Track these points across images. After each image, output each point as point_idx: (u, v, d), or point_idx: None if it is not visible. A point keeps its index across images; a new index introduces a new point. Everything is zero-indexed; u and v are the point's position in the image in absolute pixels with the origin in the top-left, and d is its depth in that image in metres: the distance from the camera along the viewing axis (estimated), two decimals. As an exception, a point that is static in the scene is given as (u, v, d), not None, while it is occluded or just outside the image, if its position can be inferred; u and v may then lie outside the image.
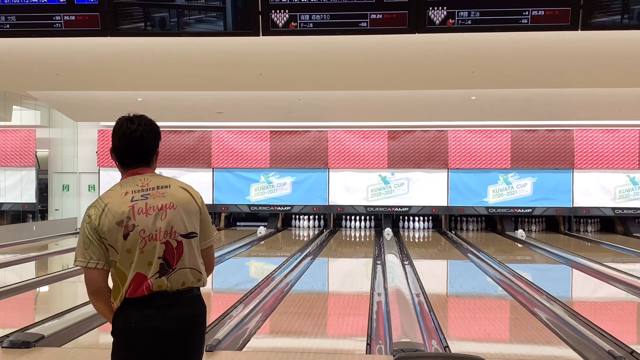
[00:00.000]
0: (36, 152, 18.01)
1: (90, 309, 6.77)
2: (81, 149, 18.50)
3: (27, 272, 10.51)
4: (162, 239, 2.77)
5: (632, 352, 5.29)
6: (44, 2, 7.07)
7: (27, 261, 11.50)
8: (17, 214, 17.84)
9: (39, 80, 11.13)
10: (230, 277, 9.97)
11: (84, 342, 5.84)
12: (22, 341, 5.36)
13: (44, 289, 8.89)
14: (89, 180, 18.58)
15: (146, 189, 2.84)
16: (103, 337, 6.21)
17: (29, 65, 9.73)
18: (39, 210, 18.27)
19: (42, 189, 18.53)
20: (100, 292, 2.82)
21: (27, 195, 18.11)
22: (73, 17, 7.11)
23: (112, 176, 17.97)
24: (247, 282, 9.12)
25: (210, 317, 6.77)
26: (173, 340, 2.78)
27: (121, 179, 2.94)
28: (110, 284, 2.86)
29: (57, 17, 7.11)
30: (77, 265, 2.82)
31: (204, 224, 2.98)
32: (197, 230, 2.91)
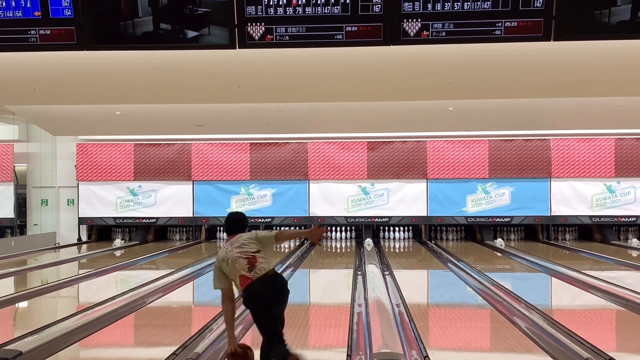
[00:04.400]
0: (14, 166, 17.89)
1: (70, 324, 6.77)
2: (60, 163, 18.37)
3: (5, 287, 10.40)
4: (244, 257, 5.08)
5: (610, 359, 5.35)
6: (19, 16, 7.05)
7: (6, 277, 11.38)
8: (-5, 230, 17.70)
9: (16, 95, 11.06)
10: (212, 290, 9.90)
11: (63, 357, 5.82)
12: (0, 358, 5.31)
13: (23, 304, 8.82)
14: (68, 195, 18.45)
15: (233, 245, 5.21)
16: (83, 352, 6.19)
17: (6, 79, 9.68)
18: (17, 225, 18.14)
19: (21, 204, 18.40)
20: (227, 298, 5.28)
21: (6, 210, 17.99)
22: (48, 32, 7.10)
23: (91, 190, 17.91)
24: (227, 295, 9.09)
25: (191, 331, 6.77)
26: (271, 293, 5.03)
27: (227, 239, 5.38)
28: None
29: (33, 32, 7.10)
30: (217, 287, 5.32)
31: (263, 238, 5.26)
32: (258, 249, 5.16)
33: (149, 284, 9.76)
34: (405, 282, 10.04)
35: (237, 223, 5.46)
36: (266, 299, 5.03)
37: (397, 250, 15.88)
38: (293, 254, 14.48)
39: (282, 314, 5.23)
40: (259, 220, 17.47)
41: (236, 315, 7.36)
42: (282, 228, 17.92)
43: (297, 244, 16.96)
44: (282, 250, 15.72)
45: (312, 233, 5.35)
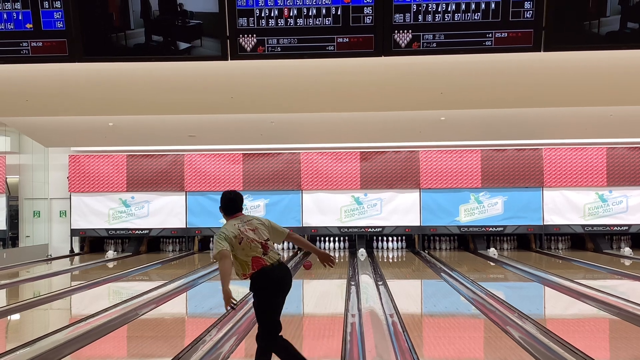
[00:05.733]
0: (6, 178, 17.82)
1: (62, 337, 6.74)
2: (52, 174, 18.33)
3: (-3, 300, 10.38)
4: (258, 241, 5.23)
5: (603, 367, 5.36)
6: (11, 28, 7.05)
7: (-2, 289, 11.35)
8: (-13, 242, 17.62)
9: (8, 107, 11.06)
10: (204, 302, 9.92)
11: (55, 370, 5.78)
12: (-8, 371, 5.29)
13: (15, 316, 8.78)
14: (60, 206, 18.40)
15: (243, 222, 5.34)
16: (75, 364, 6.16)
17: (-2, 91, 9.69)
18: (9, 237, 18.04)
19: (13, 216, 18.32)
20: (226, 257, 5.10)
21: (-3, 222, 17.90)
22: (40, 44, 7.11)
23: (83, 201, 17.86)
24: (220, 306, 8.98)
25: (184, 342, 6.75)
26: (283, 281, 5.25)
27: (229, 219, 5.41)
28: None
29: (24, 44, 7.10)
30: (216, 254, 5.16)
31: (274, 229, 5.48)
32: (269, 237, 5.34)
33: (142, 296, 9.73)
34: (398, 292, 10.03)
35: (237, 202, 5.53)
36: (279, 283, 5.25)
37: (391, 260, 15.87)
38: (287, 264, 14.44)
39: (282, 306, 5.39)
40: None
41: (230, 325, 7.39)
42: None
43: (291, 254, 16.95)
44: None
45: (324, 256, 5.57)
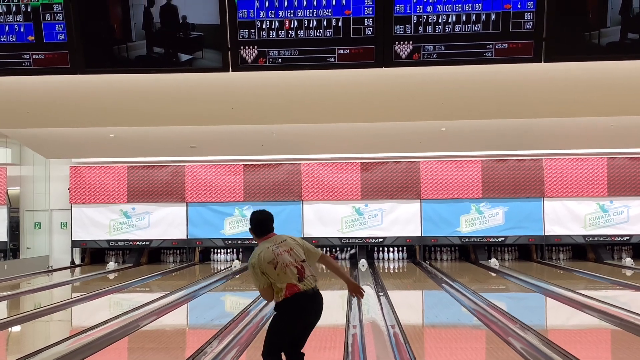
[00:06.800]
0: (7, 190, 17.83)
1: (63, 348, 6.73)
2: (53, 185, 18.32)
3: (-2, 312, 10.37)
4: (295, 265, 5.02)
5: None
6: (13, 41, 7.08)
7: (-1, 301, 11.34)
8: (-12, 253, 17.61)
9: (9, 118, 11.07)
10: (205, 313, 9.91)
11: (56, 382, 5.77)
12: (-7, 383, 5.28)
13: (15, 328, 8.76)
14: (61, 218, 18.40)
15: (276, 243, 5.11)
16: (76, 376, 6.15)
17: None
18: (10, 248, 18.03)
19: (14, 227, 18.32)
20: (268, 295, 5.08)
21: (-2, 233, 17.89)
22: (42, 56, 7.13)
23: (84, 212, 17.85)
24: (222, 317, 9.07)
25: (185, 354, 6.74)
26: (312, 311, 5.07)
27: (260, 241, 5.21)
28: None
29: (26, 56, 7.12)
30: (257, 289, 5.12)
31: (308, 250, 5.25)
32: (304, 258, 5.14)
33: (143, 307, 9.71)
34: (400, 302, 10.01)
35: (267, 223, 5.26)
36: (306, 315, 5.06)
37: (392, 271, 15.86)
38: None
39: (308, 334, 5.23)
40: (254, 241, 17.34)
41: (231, 337, 7.37)
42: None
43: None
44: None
45: (354, 286, 5.38)
